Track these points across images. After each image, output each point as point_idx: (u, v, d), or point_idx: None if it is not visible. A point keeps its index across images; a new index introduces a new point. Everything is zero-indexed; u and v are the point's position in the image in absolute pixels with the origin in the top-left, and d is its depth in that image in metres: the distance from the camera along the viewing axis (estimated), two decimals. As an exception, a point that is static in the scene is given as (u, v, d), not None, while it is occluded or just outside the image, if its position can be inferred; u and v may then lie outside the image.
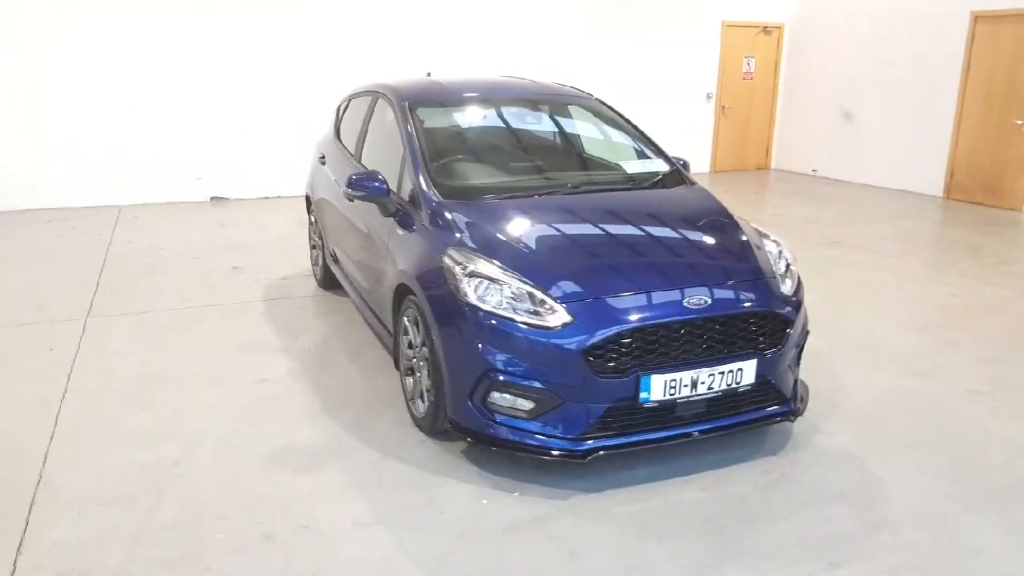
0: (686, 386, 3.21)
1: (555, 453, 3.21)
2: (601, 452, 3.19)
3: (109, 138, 9.16)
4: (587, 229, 3.75)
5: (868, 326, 5.42)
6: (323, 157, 5.66)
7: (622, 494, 3.26)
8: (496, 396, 3.25)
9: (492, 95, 4.88)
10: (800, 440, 3.73)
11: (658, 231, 3.78)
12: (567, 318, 3.15)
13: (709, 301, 3.28)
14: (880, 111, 11.42)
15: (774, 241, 3.93)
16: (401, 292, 3.84)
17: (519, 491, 3.26)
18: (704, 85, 12.40)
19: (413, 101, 4.48)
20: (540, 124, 4.85)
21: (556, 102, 4.93)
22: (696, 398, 3.26)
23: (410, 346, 3.79)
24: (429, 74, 5.87)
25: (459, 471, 3.42)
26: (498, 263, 3.37)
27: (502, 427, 3.26)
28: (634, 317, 3.17)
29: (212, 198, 9.76)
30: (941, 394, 4.30)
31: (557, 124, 4.88)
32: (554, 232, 3.68)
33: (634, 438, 3.24)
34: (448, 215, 3.74)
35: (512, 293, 3.25)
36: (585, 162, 4.68)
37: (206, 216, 8.89)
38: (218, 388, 4.27)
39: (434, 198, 3.84)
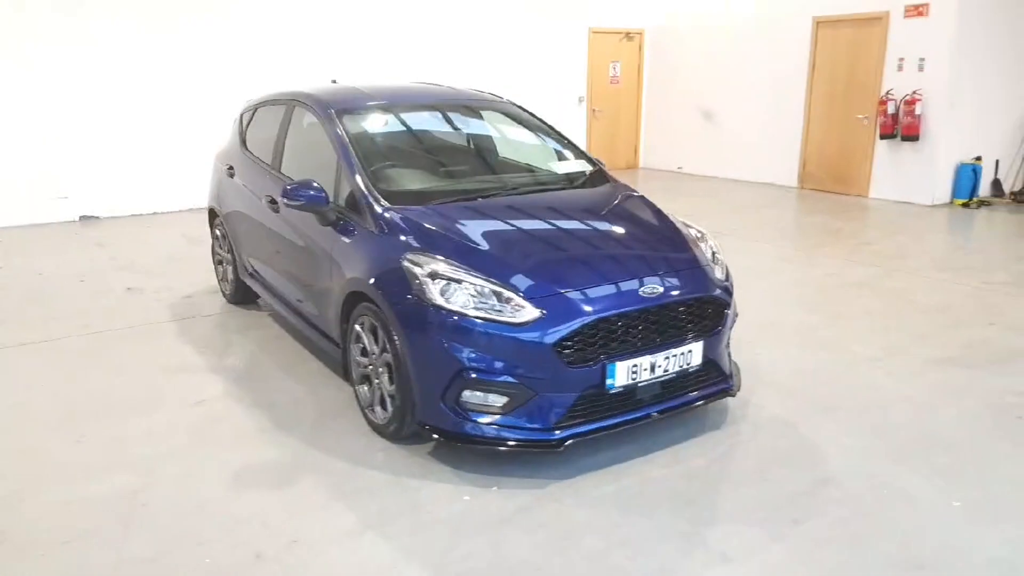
0: (646, 370, 3.42)
1: (528, 445, 3.32)
2: (572, 440, 3.34)
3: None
4: (536, 227, 3.89)
5: (765, 307, 5.87)
6: (231, 168, 5.49)
7: (593, 477, 3.42)
8: (468, 394, 3.32)
9: (415, 101, 4.93)
10: (737, 414, 4.04)
11: (601, 226, 3.98)
12: (536, 313, 3.28)
13: (661, 290, 3.50)
14: (738, 110, 12.28)
15: (699, 232, 4.22)
16: (352, 300, 3.83)
17: (496, 485, 3.36)
18: (575, 89, 12.86)
19: (339, 108, 4.46)
20: (466, 128, 4.95)
21: (477, 107, 5.04)
22: (654, 381, 3.48)
23: (364, 353, 3.80)
24: (334, 81, 5.83)
25: (432, 472, 3.47)
26: (458, 264, 3.45)
27: (476, 424, 3.34)
28: (597, 308, 3.34)
29: (82, 217, 9.15)
30: (844, 362, 4.76)
31: (482, 128, 4.99)
32: (506, 232, 3.80)
33: (603, 423, 3.41)
34: (398, 220, 3.77)
35: (477, 292, 3.34)
36: (515, 164, 4.81)
37: (79, 237, 8.34)
38: (153, 414, 4.08)
39: (381, 204, 3.86)
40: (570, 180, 4.57)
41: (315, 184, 4.06)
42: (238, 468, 3.52)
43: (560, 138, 4.94)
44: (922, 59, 9.95)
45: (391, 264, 3.57)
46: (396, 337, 3.45)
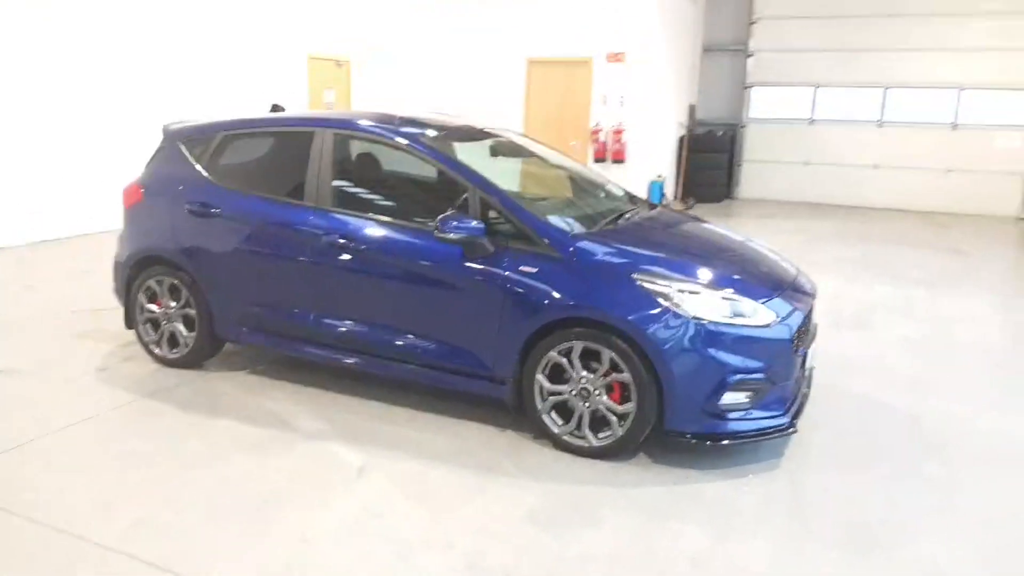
0: (812, 356, 4.12)
1: (771, 432, 3.78)
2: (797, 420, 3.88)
3: None
4: (688, 243, 4.33)
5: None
6: (205, 207, 4.59)
7: (796, 450, 3.98)
8: (727, 396, 3.65)
9: (469, 133, 4.89)
10: (824, 391, 4.71)
11: (723, 239, 4.55)
12: (772, 315, 3.75)
13: (810, 288, 4.24)
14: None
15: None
16: (543, 330, 3.80)
17: (749, 474, 3.74)
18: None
19: (441, 140, 4.31)
20: (526, 157, 5.05)
21: (514, 139, 5.17)
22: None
23: (560, 381, 3.80)
24: (280, 107, 5.31)
25: (685, 477, 3.69)
26: (687, 278, 3.75)
27: (737, 422, 3.69)
28: (800, 306, 3.95)
29: None
30: (858, 352, 5.61)
31: (536, 156, 5.13)
32: (677, 248, 4.20)
33: (798, 403, 4.01)
34: (593, 246, 3.87)
35: (720, 302, 3.69)
36: (594, 190, 5.05)
37: None
38: (332, 492, 3.49)
39: (568, 232, 3.90)
40: (634, 202, 4.97)
41: (471, 217, 3.90)
42: (520, 518, 3.32)
43: (576, 164, 5.30)
44: (622, 96, 12.01)
45: (621, 286, 3.68)
46: (647, 354, 3.59)
